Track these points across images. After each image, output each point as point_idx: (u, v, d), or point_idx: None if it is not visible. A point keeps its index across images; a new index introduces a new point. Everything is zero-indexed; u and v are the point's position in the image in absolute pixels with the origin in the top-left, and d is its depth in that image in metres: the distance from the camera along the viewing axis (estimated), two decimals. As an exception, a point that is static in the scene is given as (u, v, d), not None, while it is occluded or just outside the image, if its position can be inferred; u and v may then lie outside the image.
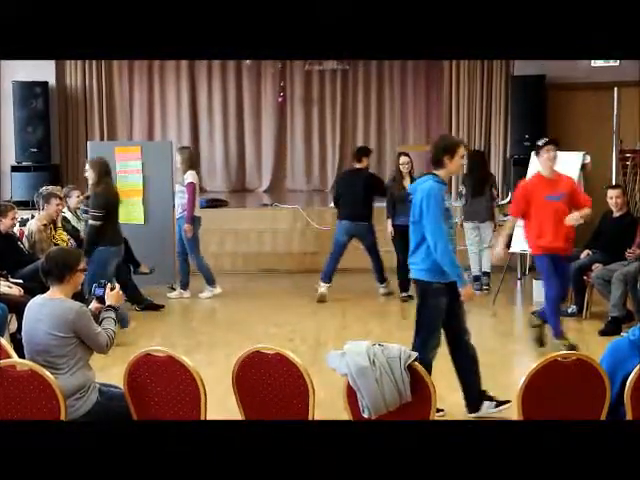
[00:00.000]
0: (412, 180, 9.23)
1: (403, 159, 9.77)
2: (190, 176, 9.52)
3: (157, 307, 9.21)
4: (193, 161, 9.66)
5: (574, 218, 7.03)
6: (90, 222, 8.07)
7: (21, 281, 7.34)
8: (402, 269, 9.22)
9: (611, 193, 8.73)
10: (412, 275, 5.72)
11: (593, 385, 4.15)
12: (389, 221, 9.64)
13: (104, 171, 8.14)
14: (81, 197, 9.69)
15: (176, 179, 9.93)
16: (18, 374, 4.21)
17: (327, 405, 4.63)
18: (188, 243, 9.59)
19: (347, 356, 4.21)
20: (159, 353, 4.37)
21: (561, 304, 7.51)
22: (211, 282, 9.79)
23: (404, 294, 9.55)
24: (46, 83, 12.50)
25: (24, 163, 12.31)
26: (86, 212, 8.48)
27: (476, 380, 5.70)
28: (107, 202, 8.05)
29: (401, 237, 9.09)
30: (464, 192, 10.17)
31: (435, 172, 5.57)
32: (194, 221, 9.54)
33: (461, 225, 10.11)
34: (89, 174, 8.18)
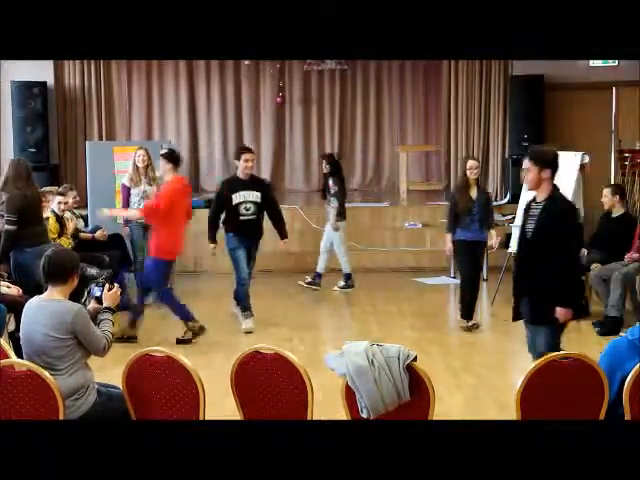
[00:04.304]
0: (479, 189, 8.30)
1: (471, 163, 8.25)
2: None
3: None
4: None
5: None
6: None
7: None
8: (468, 292, 8.29)
9: (605, 192, 8.77)
10: None
11: (591, 385, 4.16)
12: (448, 236, 8.27)
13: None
14: (77, 197, 9.70)
15: (142, 180, 9.29)
16: (17, 374, 4.20)
17: (326, 405, 4.63)
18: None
19: (346, 356, 4.20)
20: (158, 353, 4.37)
21: None
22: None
23: (470, 323, 8.24)
24: (45, 83, 12.51)
25: (23, 163, 12.30)
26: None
27: None
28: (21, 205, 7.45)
29: (465, 254, 8.20)
30: (335, 192, 9.95)
31: None
32: None
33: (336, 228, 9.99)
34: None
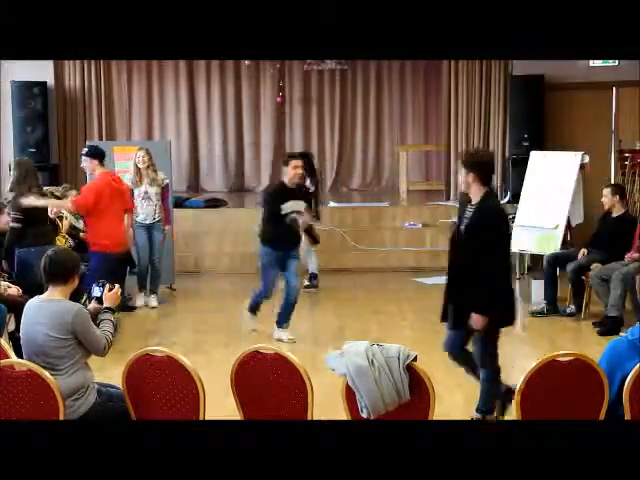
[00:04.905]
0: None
1: None
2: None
3: (131, 308, 9.16)
4: None
5: None
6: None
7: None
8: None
9: (604, 192, 8.75)
10: None
11: (592, 385, 4.16)
12: None
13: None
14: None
15: (143, 181, 9.25)
16: (17, 374, 4.20)
17: (326, 405, 4.63)
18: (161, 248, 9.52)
19: (346, 356, 4.21)
20: (158, 353, 4.38)
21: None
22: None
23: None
24: (45, 83, 12.50)
25: (23, 163, 12.30)
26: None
27: None
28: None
29: None
30: (313, 192, 9.89)
31: None
32: None
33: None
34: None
